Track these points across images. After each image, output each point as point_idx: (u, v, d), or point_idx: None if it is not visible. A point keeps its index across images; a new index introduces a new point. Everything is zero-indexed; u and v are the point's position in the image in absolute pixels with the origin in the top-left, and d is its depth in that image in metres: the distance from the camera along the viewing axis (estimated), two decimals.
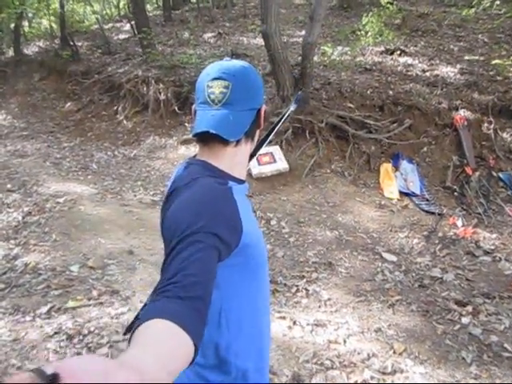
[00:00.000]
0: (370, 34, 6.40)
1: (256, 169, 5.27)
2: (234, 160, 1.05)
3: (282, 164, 5.27)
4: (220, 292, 0.97)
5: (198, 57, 7.66)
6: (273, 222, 4.38)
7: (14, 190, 4.89)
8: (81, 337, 2.61)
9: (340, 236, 4.12)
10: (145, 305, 1.06)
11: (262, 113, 1.09)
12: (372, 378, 2.37)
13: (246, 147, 1.08)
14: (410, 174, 4.98)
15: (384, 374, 2.41)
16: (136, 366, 0.55)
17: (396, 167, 5.14)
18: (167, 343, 0.65)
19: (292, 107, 1.51)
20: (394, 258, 3.77)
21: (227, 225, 0.90)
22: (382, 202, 4.69)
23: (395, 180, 4.94)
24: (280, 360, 2.51)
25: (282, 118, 1.42)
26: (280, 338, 2.71)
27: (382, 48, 6.99)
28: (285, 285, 3.35)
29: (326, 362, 2.49)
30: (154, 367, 0.57)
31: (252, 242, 1.00)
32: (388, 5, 6.70)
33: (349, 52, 6.76)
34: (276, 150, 5.40)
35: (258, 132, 1.13)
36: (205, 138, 1.02)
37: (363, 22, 6.45)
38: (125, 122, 7.33)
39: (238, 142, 1.03)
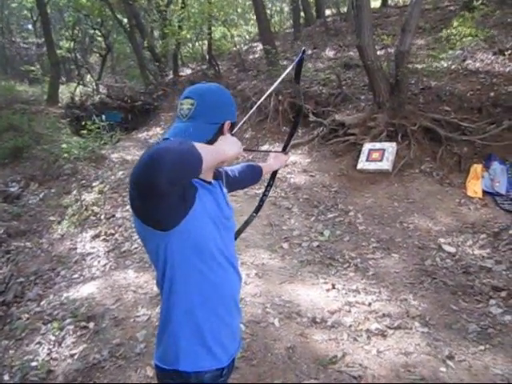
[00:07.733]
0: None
1: (361, 164, 5.85)
2: None
3: (385, 164, 5.70)
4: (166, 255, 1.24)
5: (314, 69, 8.51)
6: (351, 214, 4.99)
7: None
8: None
9: (407, 227, 4.53)
10: None
11: (226, 127, 1.31)
12: (376, 329, 2.91)
13: None
14: (498, 175, 5.01)
15: (389, 328, 2.93)
16: None
17: (487, 168, 5.20)
18: None
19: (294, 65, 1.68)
20: (452, 250, 4.05)
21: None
22: (462, 201, 4.87)
23: (481, 180, 5.04)
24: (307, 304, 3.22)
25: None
26: (317, 296, 3.40)
27: (496, 49, 6.85)
28: (340, 261, 3.99)
29: (345, 311, 3.12)
30: None
31: (196, 223, 1.22)
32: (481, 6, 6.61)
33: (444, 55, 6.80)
34: (390, 147, 5.79)
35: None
36: None
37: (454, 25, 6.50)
38: (250, 129, 8.56)
39: None
